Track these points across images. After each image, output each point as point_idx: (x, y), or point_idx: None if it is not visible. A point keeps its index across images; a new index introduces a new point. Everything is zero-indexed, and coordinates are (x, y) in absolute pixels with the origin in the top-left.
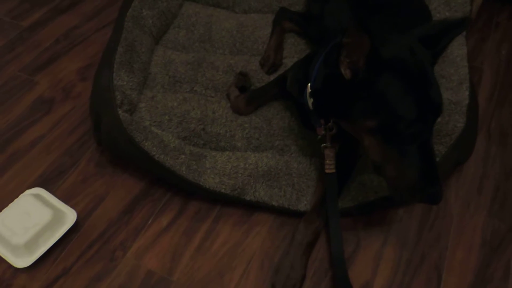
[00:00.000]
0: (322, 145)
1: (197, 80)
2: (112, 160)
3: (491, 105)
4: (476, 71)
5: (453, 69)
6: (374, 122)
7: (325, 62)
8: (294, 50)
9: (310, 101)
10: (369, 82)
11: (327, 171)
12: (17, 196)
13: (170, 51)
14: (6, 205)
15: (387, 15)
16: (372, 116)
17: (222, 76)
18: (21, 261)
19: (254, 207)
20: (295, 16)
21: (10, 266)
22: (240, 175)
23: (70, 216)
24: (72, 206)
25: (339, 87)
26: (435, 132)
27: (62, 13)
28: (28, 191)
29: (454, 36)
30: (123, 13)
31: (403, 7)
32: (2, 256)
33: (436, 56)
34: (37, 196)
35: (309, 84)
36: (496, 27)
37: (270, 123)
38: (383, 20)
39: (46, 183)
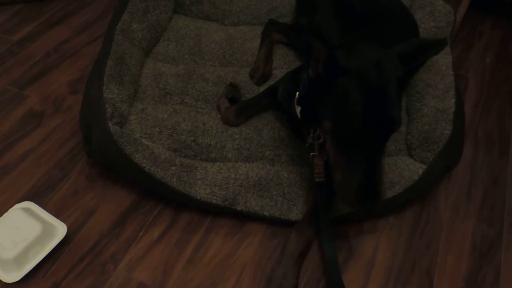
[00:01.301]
0: (311, 154)
1: (188, 92)
2: (103, 173)
3: (477, 113)
4: (461, 79)
5: (439, 77)
6: (329, 123)
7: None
8: (283, 61)
9: (298, 109)
10: (327, 86)
11: (317, 180)
12: (6, 211)
13: (160, 63)
14: None
15: (374, 26)
16: (327, 117)
17: (212, 87)
18: (11, 276)
19: (246, 217)
20: (284, 28)
21: None
22: (231, 185)
23: (60, 230)
24: (63, 220)
25: (315, 91)
26: (423, 140)
27: (52, 27)
28: (17, 205)
29: (430, 56)
30: (113, 27)
31: (389, 18)
32: None
33: (409, 73)
34: (26, 210)
35: (298, 92)
36: (480, 36)
37: (260, 134)
38: (369, 30)
39: (36, 196)
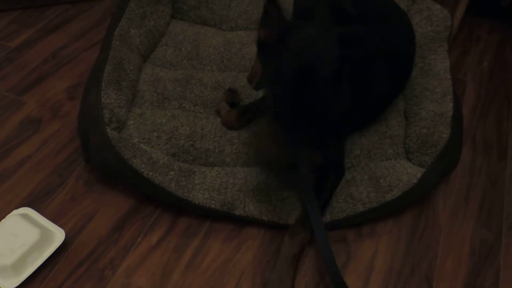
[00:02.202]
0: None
1: (186, 97)
2: (101, 178)
3: (475, 117)
4: (459, 83)
5: (436, 81)
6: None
7: None
8: None
9: None
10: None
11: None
12: (4, 217)
13: (158, 68)
14: None
15: (369, 28)
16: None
17: (211, 92)
18: (8, 283)
19: (244, 222)
20: None
21: None
22: (229, 190)
23: (58, 236)
24: (61, 225)
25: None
26: (421, 143)
27: (50, 33)
28: (15, 211)
29: None
30: (111, 32)
31: (383, 22)
32: None
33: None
34: (24, 216)
35: None
36: (477, 40)
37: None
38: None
39: (34, 202)
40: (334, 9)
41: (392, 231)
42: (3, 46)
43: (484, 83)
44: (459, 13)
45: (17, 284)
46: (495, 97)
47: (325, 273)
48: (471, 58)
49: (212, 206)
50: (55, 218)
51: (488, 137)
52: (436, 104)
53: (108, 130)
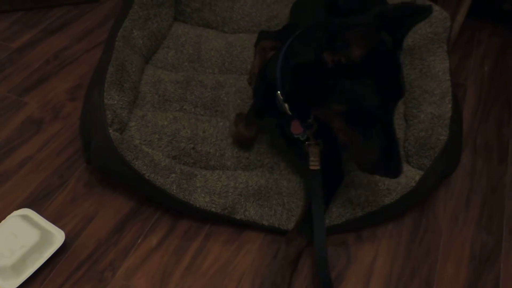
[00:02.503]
0: (306, 143)
1: (186, 99)
2: (102, 179)
3: (476, 120)
4: (460, 87)
5: (435, 83)
6: (341, 107)
7: (288, 58)
8: None
9: (286, 106)
10: (348, 72)
11: (311, 167)
12: (4, 218)
13: (159, 70)
14: None
15: None
16: (339, 101)
17: (211, 92)
18: (8, 284)
19: (245, 225)
20: (272, 34)
21: None
22: (230, 194)
23: (58, 237)
24: (61, 227)
25: (312, 76)
26: (420, 146)
27: (52, 34)
28: (15, 212)
29: (418, 22)
30: (114, 33)
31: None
32: None
33: (399, 42)
34: (24, 217)
35: (278, 92)
36: (478, 44)
37: (259, 141)
38: None
39: (35, 203)
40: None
41: (392, 235)
42: (5, 47)
43: (485, 87)
44: (460, 17)
45: (17, 285)
46: (496, 101)
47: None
48: (472, 62)
49: (213, 209)
50: (55, 219)
51: (489, 141)
52: (434, 106)
53: (110, 131)
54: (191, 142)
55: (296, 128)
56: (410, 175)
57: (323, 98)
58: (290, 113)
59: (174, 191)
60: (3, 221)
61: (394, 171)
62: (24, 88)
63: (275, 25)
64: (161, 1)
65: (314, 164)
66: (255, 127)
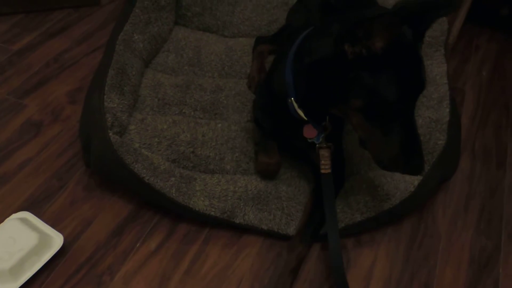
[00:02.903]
0: (317, 146)
1: (186, 102)
2: (101, 183)
3: (474, 125)
4: (458, 92)
5: (433, 87)
6: (360, 102)
7: (300, 59)
8: None
9: (301, 112)
10: (368, 65)
11: (323, 171)
12: (2, 221)
13: (159, 74)
14: None
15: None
16: (359, 96)
17: (210, 96)
18: (6, 287)
19: (244, 229)
20: (268, 38)
21: None
22: (229, 198)
23: (56, 240)
24: (60, 230)
25: (331, 72)
26: None
27: (52, 37)
28: (14, 215)
29: (441, 15)
30: (115, 37)
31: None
32: None
33: (420, 35)
34: (23, 220)
35: (292, 99)
36: (476, 49)
37: None
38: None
39: (33, 206)
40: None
41: (391, 239)
42: (5, 50)
43: (483, 91)
44: (458, 22)
45: None
46: (494, 106)
47: (326, 280)
48: (470, 66)
49: (212, 213)
50: (54, 223)
51: (487, 146)
52: (432, 110)
53: (110, 134)
54: (191, 146)
55: (309, 132)
56: (409, 180)
57: (342, 94)
58: (305, 119)
59: (174, 194)
60: (1, 224)
61: (415, 168)
62: (24, 91)
63: (275, 30)
64: (162, 5)
65: (326, 167)
66: (276, 151)
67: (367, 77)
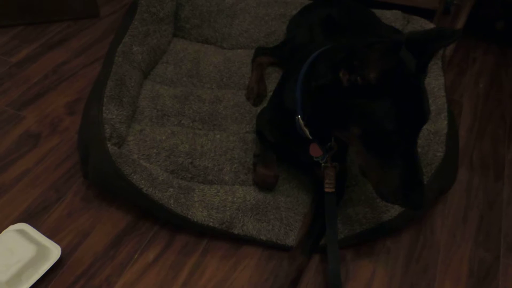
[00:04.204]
0: (322, 165)
1: (184, 113)
2: (99, 194)
3: (472, 137)
4: (456, 104)
5: (431, 99)
6: (358, 129)
7: (308, 80)
8: None
9: (306, 131)
10: (366, 93)
11: (326, 190)
12: (0, 232)
13: (158, 85)
14: None
15: (352, 37)
16: (356, 123)
17: (209, 106)
18: None
19: (242, 240)
20: (268, 50)
21: None
22: (228, 208)
23: (54, 252)
24: (57, 241)
25: (331, 98)
26: None
27: (51, 49)
28: (11, 227)
29: (444, 45)
30: (114, 48)
31: (369, 31)
32: None
33: (424, 64)
34: (20, 232)
35: (298, 116)
36: (473, 61)
37: None
38: (348, 39)
39: (31, 218)
40: (325, 20)
41: (390, 251)
42: (4, 62)
43: (481, 104)
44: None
45: None
46: (491, 117)
47: None
48: (467, 79)
49: (211, 224)
50: (51, 234)
51: (485, 158)
52: (430, 122)
53: (108, 145)
54: (189, 157)
55: (315, 151)
56: None
57: (341, 120)
58: (310, 137)
59: (172, 205)
60: None
61: (414, 203)
62: (22, 102)
63: (273, 41)
64: (161, 17)
65: (330, 186)
66: (275, 164)
67: (363, 105)
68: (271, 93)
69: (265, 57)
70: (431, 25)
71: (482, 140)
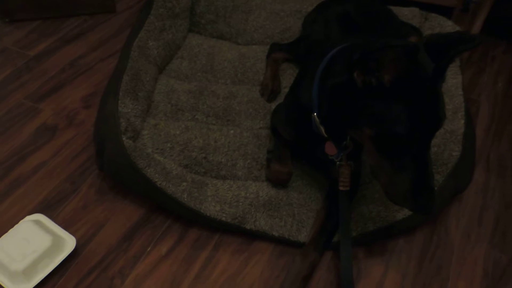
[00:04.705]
0: (337, 163)
1: (199, 108)
2: (113, 186)
3: (489, 137)
4: (473, 103)
5: (448, 98)
6: (370, 130)
7: (325, 78)
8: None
9: (322, 129)
10: (379, 95)
11: (341, 188)
12: (17, 222)
13: (173, 80)
14: (6, 231)
15: (369, 34)
16: (370, 124)
17: (223, 102)
18: None
19: (254, 235)
20: (283, 46)
21: None
22: (241, 203)
23: (69, 243)
24: (72, 233)
25: (346, 97)
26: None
27: (68, 43)
28: (28, 217)
29: (463, 50)
30: (130, 43)
31: (386, 28)
32: (0, 283)
33: (442, 69)
34: (37, 223)
35: (314, 114)
36: (492, 60)
37: None
38: (364, 37)
39: (47, 209)
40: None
41: (403, 250)
42: (23, 55)
43: (499, 103)
44: (474, 33)
45: None
46: (509, 117)
47: None
48: (485, 78)
49: (223, 219)
50: (66, 225)
51: (502, 158)
52: (447, 121)
53: (124, 138)
54: (203, 152)
55: (330, 150)
56: None
57: (355, 120)
58: (325, 136)
59: (185, 199)
60: (15, 226)
61: (423, 208)
62: (39, 95)
63: (288, 37)
64: (177, 13)
65: (344, 185)
66: (289, 161)
67: (376, 106)
68: (285, 90)
69: (280, 53)
70: (449, 23)
71: (500, 140)
